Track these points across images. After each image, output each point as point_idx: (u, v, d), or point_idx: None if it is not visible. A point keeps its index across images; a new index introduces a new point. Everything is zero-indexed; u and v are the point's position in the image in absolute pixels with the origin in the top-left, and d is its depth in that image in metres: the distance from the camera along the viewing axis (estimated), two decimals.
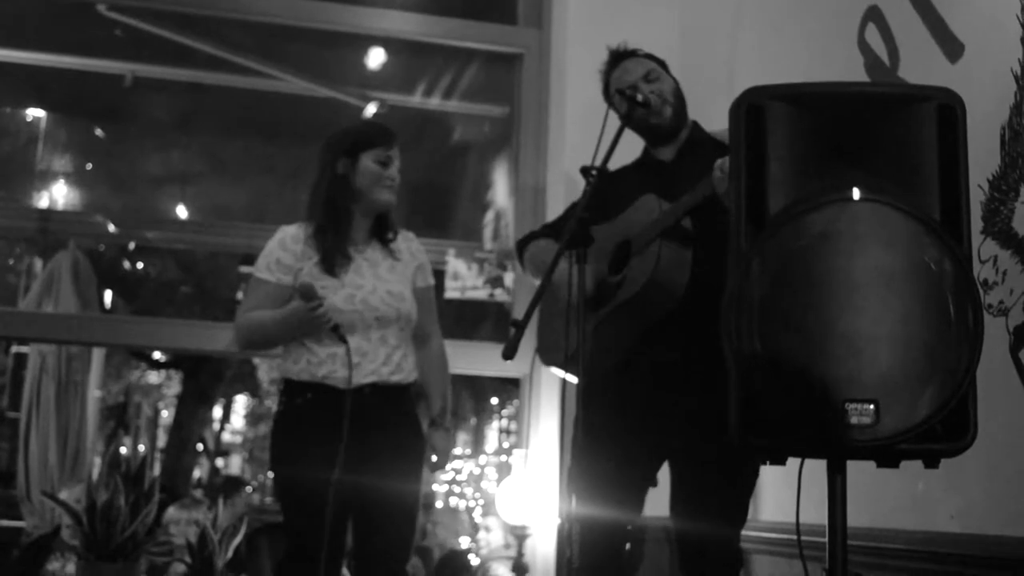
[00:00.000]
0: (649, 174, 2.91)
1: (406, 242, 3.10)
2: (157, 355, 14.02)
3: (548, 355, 2.97)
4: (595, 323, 2.74)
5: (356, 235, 3.00)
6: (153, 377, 16.81)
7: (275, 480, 3.04)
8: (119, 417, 15.22)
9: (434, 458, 3.05)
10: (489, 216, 6.02)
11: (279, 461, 2.94)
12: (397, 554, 2.91)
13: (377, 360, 2.91)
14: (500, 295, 5.10)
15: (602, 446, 2.68)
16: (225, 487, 13.71)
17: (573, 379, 2.60)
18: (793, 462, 1.87)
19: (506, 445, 13.07)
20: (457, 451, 3.14)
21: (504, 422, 13.83)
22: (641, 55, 3.00)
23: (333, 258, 2.94)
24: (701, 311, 2.50)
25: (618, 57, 3.01)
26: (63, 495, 5.02)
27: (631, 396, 2.75)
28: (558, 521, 3.32)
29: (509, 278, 5.01)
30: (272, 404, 17.67)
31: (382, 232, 3.05)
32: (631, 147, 2.91)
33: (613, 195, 2.88)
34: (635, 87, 2.90)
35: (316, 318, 2.81)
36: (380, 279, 2.97)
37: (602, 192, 2.93)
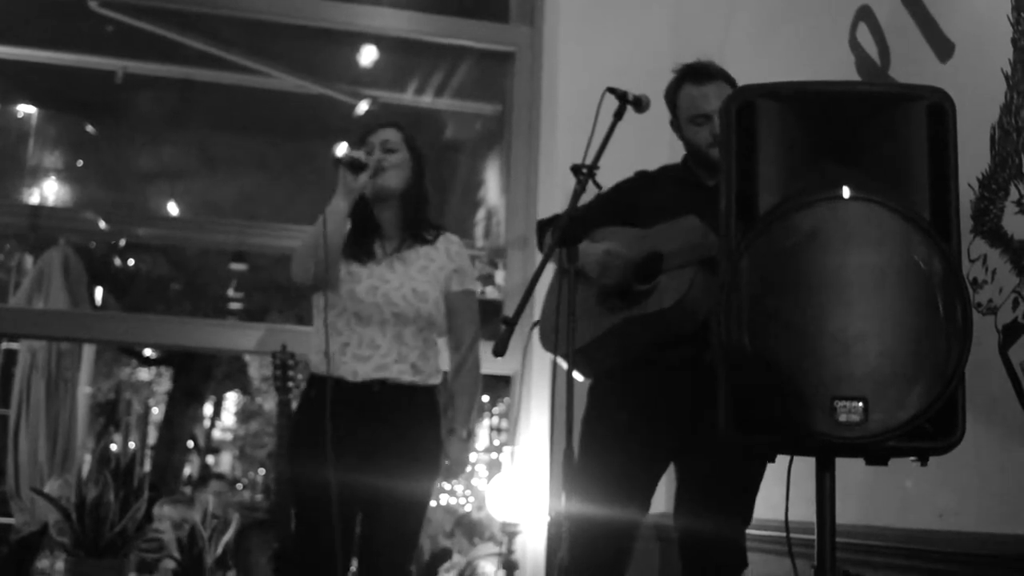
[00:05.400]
0: (689, 193, 2.83)
1: (446, 244, 3.09)
2: (148, 352, 13.98)
3: (547, 339, 2.90)
4: (609, 326, 2.72)
5: (388, 230, 3.03)
6: (143, 374, 16.76)
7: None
8: (109, 414, 15.18)
9: (447, 464, 3.06)
10: (480, 214, 6.02)
11: (289, 455, 3.04)
12: (399, 549, 2.94)
13: (389, 356, 2.93)
14: (491, 292, 5.10)
15: (609, 443, 2.66)
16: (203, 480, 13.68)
17: (576, 376, 2.57)
18: (782, 459, 1.87)
19: (497, 443, 13.09)
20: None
21: (495, 419, 13.82)
22: (721, 79, 2.85)
23: (356, 246, 2.98)
24: None
25: (699, 76, 2.86)
26: (49, 487, 5.00)
27: (638, 394, 2.74)
28: (548, 519, 3.31)
29: (500, 275, 5.01)
30: (262, 401, 17.68)
31: (415, 228, 3.04)
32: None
33: (646, 200, 2.85)
34: (709, 117, 2.79)
35: (354, 169, 2.85)
36: (409, 277, 2.98)
37: (634, 193, 2.92)
